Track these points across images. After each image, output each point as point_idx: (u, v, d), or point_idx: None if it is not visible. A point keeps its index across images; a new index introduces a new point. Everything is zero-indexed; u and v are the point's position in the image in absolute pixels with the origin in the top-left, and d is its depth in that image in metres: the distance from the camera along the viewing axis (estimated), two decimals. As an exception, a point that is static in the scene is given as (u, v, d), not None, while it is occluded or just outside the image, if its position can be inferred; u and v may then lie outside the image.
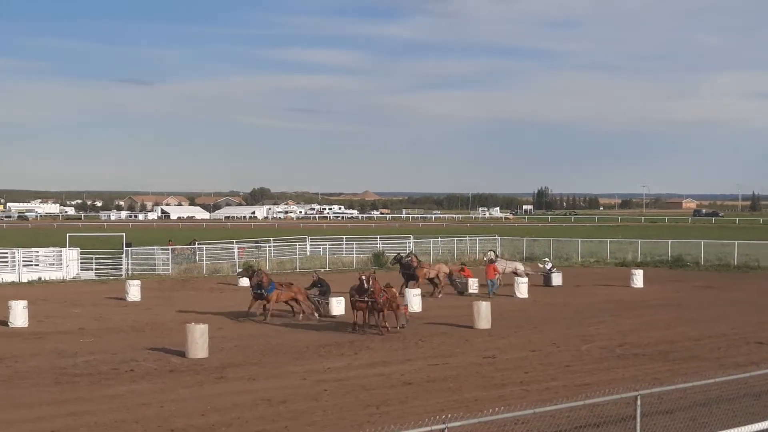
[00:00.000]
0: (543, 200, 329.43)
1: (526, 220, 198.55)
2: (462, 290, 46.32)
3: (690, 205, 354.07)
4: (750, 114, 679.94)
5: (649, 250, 71.13)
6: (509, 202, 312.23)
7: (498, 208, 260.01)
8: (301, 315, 36.32)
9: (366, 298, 32.05)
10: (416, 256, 47.25)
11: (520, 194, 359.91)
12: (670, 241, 72.05)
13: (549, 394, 21.21)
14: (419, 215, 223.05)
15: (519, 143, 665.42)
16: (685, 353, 28.37)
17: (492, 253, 53.83)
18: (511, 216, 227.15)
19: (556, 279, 50.91)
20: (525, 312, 39.52)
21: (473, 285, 46.72)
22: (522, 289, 45.03)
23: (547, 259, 58.30)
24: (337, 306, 37.05)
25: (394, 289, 34.27)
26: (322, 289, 38.07)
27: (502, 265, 49.52)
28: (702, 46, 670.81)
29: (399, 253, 48.77)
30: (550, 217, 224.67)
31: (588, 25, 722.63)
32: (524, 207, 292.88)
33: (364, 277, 32.43)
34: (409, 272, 44.59)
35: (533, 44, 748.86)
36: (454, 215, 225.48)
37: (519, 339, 31.33)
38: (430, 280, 45.47)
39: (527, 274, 48.99)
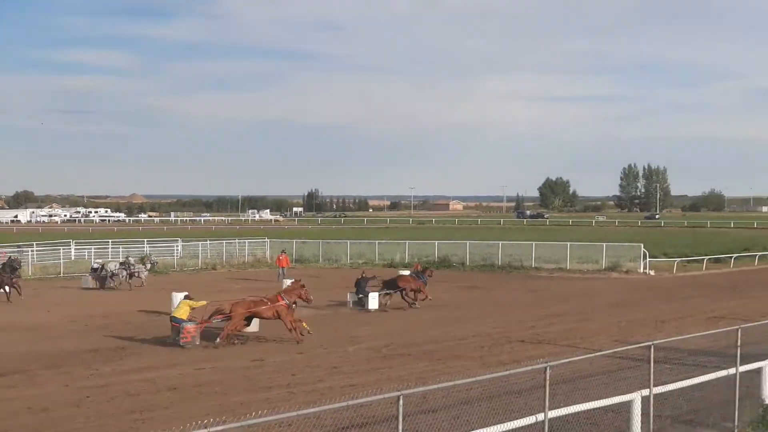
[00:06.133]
0: (313, 202, 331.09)
1: (296, 223, 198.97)
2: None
3: (457, 206, 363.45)
4: (513, 117, 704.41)
5: (416, 251, 72.68)
6: (279, 204, 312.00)
7: (268, 210, 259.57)
8: None
9: None
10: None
11: (291, 196, 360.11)
12: (436, 242, 73.98)
13: (315, 395, 21.24)
14: (188, 218, 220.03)
15: (289, 145, 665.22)
16: (450, 352, 28.99)
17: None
18: (281, 218, 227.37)
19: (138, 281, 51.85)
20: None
21: None
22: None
23: (155, 260, 58.84)
24: None
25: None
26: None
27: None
28: (467, 51, 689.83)
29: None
30: (320, 219, 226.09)
31: (354, 28, 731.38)
32: (294, 209, 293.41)
33: None
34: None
35: (300, 46, 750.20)
36: (223, 218, 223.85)
37: (286, 342, 31.24)
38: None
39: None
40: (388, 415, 15.30)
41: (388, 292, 42.71)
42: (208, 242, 73.21)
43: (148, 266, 53.38)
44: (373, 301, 41.79)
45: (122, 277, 51.32)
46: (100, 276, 51.27)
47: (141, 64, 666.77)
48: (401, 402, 12.03)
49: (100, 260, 55.68)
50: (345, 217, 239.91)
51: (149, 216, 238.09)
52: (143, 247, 70.27)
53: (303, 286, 33.26)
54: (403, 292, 42.66)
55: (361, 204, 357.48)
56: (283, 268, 56.94)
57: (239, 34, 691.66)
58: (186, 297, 32.49)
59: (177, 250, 70.57)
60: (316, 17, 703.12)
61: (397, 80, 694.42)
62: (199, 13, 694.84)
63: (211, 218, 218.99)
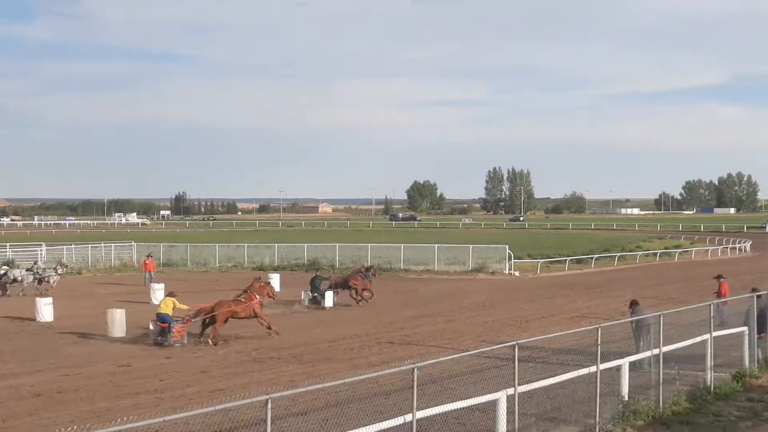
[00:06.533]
0: (181, 205, 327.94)
1: (164, 226, 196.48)
2: None
3: (326, 209, 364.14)
4: (381, 120, 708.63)
5: (286, 254, 72.60)
6: (147, 208, 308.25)
7: (135, 214, 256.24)
8: None
9: None
10: None
11: (158, 199, 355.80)
12: (306, 245, 73.97)
13: (184, 400, 21.08)
14: (52, 222, 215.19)
15: (155, 148, 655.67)
16: (320, 355, 29.10)
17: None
18: (148, 222, 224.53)
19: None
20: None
21: None
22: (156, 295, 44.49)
23: (66, 264, 57.73)
24: None
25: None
26: None
27: None
28: (335, 54, 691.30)
29: None
30: (188, 222, 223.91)
31: (223, 30, 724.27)
32: (162, 212, 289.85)
33: None
34: None
35: (167, 48, 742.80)
36: (89, 221, 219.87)
37: (154, 347, 30.87)
38: None
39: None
40: (257, 418, 15.24)
41: (337, 290, 45.24)
42: (73, 246, 71.90)
43: (60, 271, 51.86)
44: (329, 299, 43.96)
45: (27, 282, 49.62)
46: (1, 282, 49.49)
47: (3, 64, 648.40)
48: (269, 405, 12.07)
49: (5, 266, 53.75)
50: (214, 220, 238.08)
51: (12, 220, 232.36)
52: (6, 251, 68.52)
53: (269, 283, 35.43)
54: (351, 290, 45.34)
55: (230, 207, 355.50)
56: (149, 272, 56.25)
57: (104, 35, 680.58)
58: (170, 295, 32.86)
59: (41, 254, 68.96)
60: (183, 18, 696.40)
61: (266, 82, 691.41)
62: (59, 13, 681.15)
63: (76, 222, 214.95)
